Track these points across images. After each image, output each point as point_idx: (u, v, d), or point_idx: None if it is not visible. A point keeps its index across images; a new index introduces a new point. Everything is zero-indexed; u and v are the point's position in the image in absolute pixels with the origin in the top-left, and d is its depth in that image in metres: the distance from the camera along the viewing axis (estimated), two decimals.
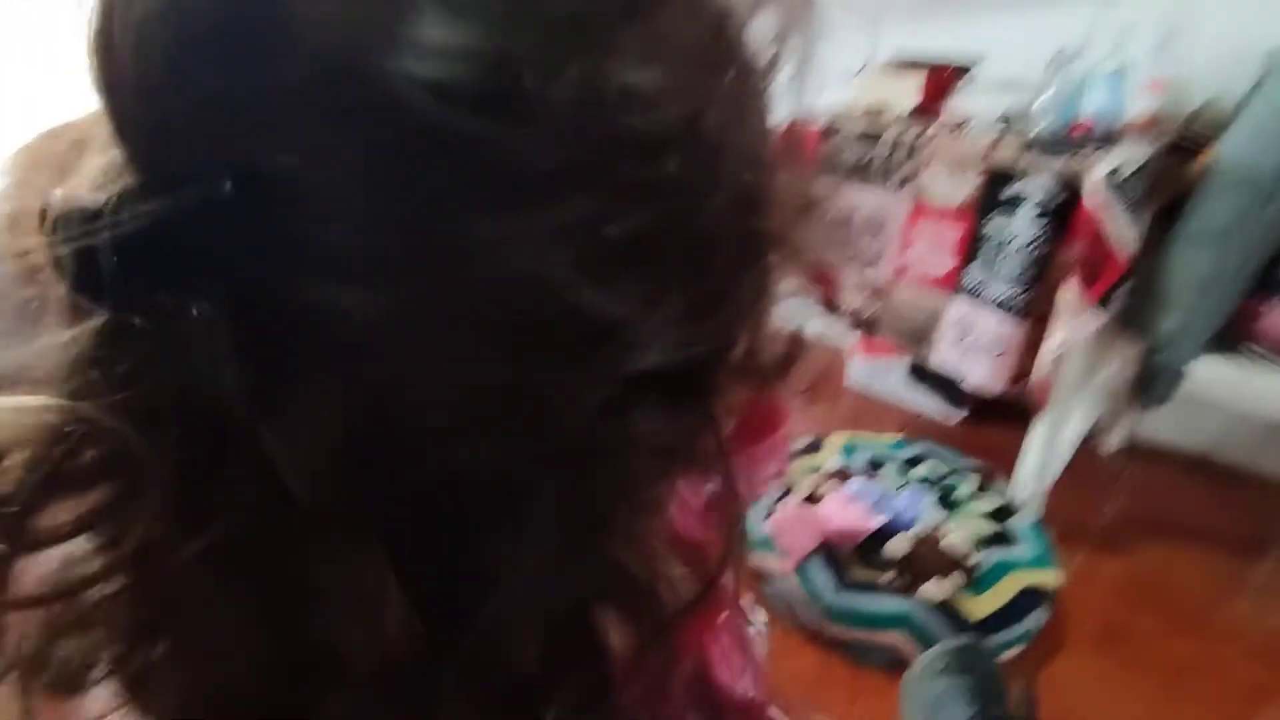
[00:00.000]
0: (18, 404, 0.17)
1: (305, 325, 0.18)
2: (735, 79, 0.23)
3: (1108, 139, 1.35)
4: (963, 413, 2.06)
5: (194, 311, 0.17)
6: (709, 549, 0.39)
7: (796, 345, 0.29)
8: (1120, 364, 1.59)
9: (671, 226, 0.21)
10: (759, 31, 0.24)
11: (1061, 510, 1.65)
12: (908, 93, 1.65)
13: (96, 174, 0.19)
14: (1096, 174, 1.28)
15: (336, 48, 0.17)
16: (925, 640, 1.26)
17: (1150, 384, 1.47)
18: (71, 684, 0.21)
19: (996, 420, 1.99)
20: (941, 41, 1.85)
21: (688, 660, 0.30)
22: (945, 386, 2.02)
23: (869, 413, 2.12)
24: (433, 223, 0.18)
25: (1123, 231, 1.28)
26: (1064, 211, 1.33)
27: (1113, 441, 1.91)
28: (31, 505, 0.18)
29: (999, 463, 1.71)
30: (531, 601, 0.22)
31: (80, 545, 0.19)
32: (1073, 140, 1.36)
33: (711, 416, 0.25)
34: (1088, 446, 1.91)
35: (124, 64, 0.17)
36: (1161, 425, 1.88)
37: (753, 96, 0.24)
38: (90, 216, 0.17)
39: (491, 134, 0.17)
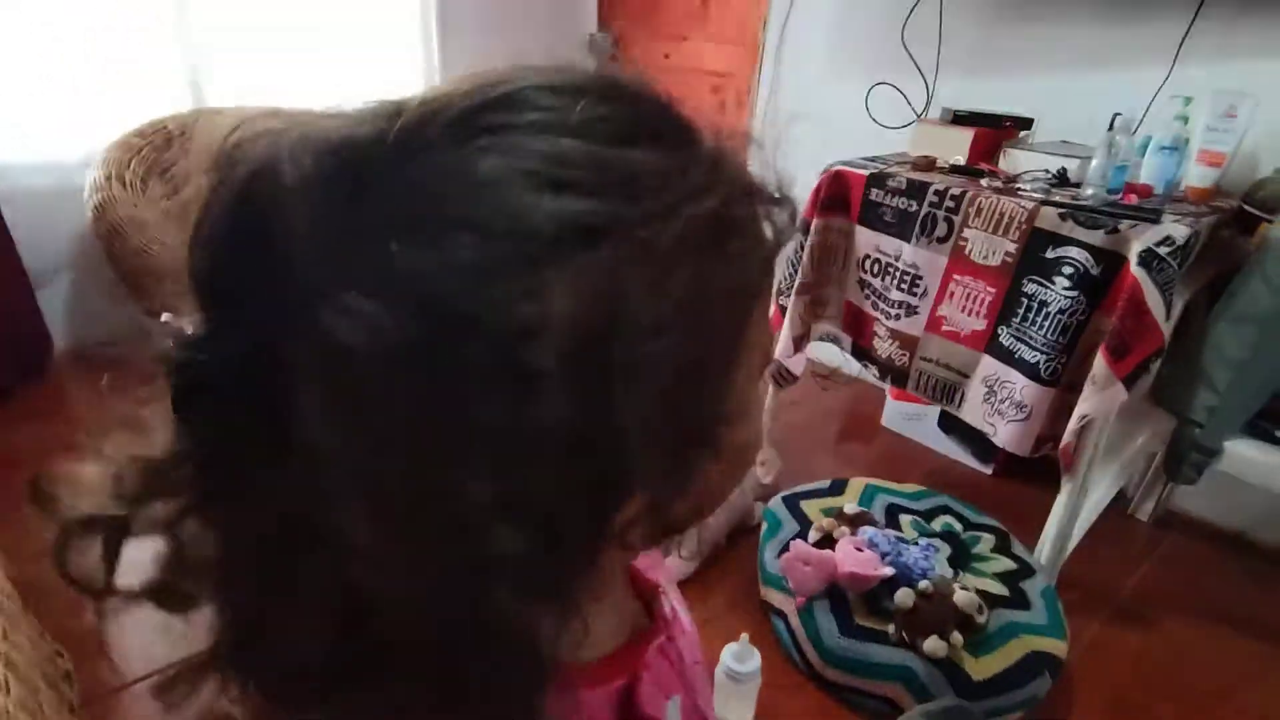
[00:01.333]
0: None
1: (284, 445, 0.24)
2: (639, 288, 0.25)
3: (1155, 212, 1.33)
4: (992, 466, 2.04)
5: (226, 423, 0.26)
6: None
7: (704, 509, 0.32)
8: (1152, 435, 1.56)
9: (538, 430, 0.24)
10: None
11: (1084, 576, 1.63)
12: (959, 146, 1.66)
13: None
14: (1138, 248, 1.27)
15: (303, 283, 0.23)
16: (922, 695, 1.27)
17: (1178, 462, 1.45)
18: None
19: (1028, 476, 1.97)
20: (999, 98, 1.85)
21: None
22: (976, 439, 2.01)
23: (900, 456, 2.12)
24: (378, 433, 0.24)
25: (1159, 309, 1.26)
26: (1102, 282, 1.32)
27: (1146, 510, 1.87)
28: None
29: (1026, 519, 1.68)
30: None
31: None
32: (1120, 209, 1.35)
33: (582, 570, 0.29)
34: (1122, 512, 1.88)
35: (193, 248, 0.26)
36: (1198, 499, 1.84)
37: (691, 307, 0.26)
38: (176, 346, 0.26)
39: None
